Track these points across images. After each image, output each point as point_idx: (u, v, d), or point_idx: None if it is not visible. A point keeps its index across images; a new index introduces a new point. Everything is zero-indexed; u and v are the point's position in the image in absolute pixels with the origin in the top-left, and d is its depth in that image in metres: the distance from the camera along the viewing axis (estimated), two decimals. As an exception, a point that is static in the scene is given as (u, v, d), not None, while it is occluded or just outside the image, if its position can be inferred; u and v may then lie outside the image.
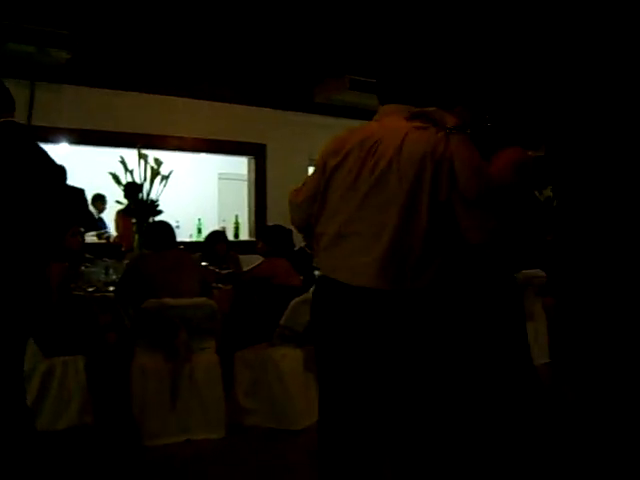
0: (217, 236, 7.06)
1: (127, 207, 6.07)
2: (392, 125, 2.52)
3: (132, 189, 5.95)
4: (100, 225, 9.10)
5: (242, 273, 5.59)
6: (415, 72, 2.63)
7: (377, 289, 2.35)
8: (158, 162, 5.88)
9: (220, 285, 5.61)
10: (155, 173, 5.85)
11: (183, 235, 9.01)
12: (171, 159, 7.15)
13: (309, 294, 5.18)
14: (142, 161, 5.85)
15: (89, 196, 9.10)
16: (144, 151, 5.94)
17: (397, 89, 2.62)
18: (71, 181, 7.83)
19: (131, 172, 5.83)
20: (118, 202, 6.19)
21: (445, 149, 2.37)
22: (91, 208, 9.27)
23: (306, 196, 2.70)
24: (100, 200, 9.37)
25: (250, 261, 6.78)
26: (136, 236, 5.86)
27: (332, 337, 2.47)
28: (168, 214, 6.16)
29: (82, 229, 6.49)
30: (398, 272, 2.36)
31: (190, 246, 7.17)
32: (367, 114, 2.72)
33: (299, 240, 7.70)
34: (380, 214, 2.40)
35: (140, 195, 5.91)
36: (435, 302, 2.41)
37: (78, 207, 7.41)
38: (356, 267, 2.40)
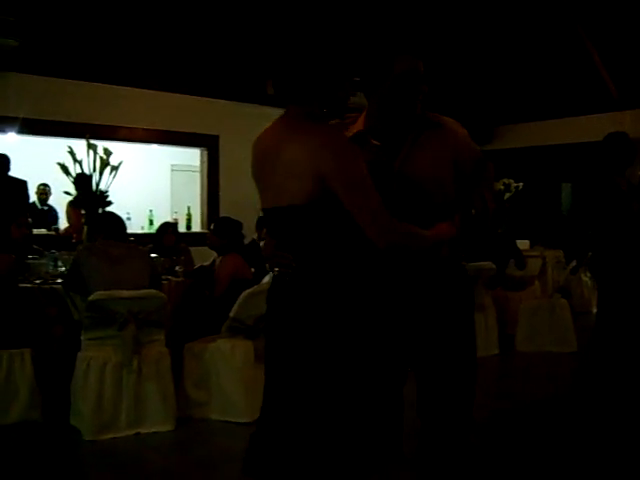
0: (165, 228, 7.02)
1: (76, 198, 5.98)
2: None
3: (82, 180, 5.86)
4: (51, 215, 8.94)
5: (210, 277, 5.50)
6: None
7: None
8: (107, 152, 5.79)
9: (170, 277, 5.56)
10: (104, 164, 5.76)
11: (134, 227, 8.92)
12: (122, 150, 7.07)
13: (260, 286, 5.20)
14: (91, 151, 5.75)
15: (34, 186, 8.86)
16: (93, 141, 5.85)
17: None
18: (19, 171, 7.74)
19: (80, 162, 5.74)
20: (67, 193, 6.08)
21: None
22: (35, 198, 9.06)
23: None
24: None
25: (202, 253, 6.75)
26: (85, 227, 5.77)
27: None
28: (119, 205, 6.09)
29: (30, 220, 6.39)
30: None
31: (141, 238, 7.11)
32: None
33: (249, 231, 7.70)
34: None
35: (91, 186, 5.82)
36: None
37: (20, 198, 7.32)
38: None
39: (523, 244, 8.94)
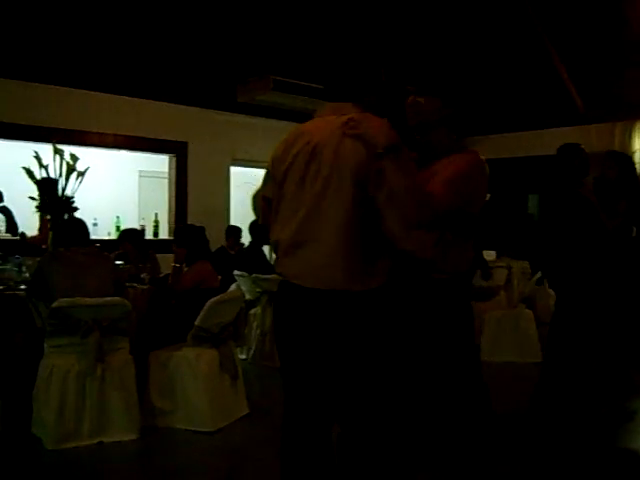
0: (122, 235, 6.90)
1: (42, 203, 5.89)
2: (326, 128, 2.55)
3: (47, 185, 5.80)
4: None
5: (172, 283, 5.45)
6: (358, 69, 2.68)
7: (339, 290, 2.48)
8: (74, 158, 5.73)
9: (135, 284, 5.51)
10: (71, 169, 5.69)
11: (101, 233, 8.84)
12: (90, 155, 7.00)
13: (226, 294, 5.18)
14: (57, 156, 5.69)
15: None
16: (60, 146, 5.78)
17: (337, 86, 2.68)
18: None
19: (46, 167, 5.67)
20: (32, 198, 6.00)
21: (379, 171, 2.42)
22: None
23: (263, 200, 2.79)
24: None
25: (169, 260, 6.68)
26: (50, 233, 5.70)
27: (295, 336, 2.60)
28: (86, 211, 6.02)
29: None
30: (353, 274, 2.48)
31: (108, 244, 7.03)
32: (291, 115, 2.74)
33: (217, 238, 7.65)
34: (327, 220, 2.47)
35: (56, 191, 5.74)
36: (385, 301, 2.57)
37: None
38: (315, 271, 2.49)
39: (489, 255, 8.99)
